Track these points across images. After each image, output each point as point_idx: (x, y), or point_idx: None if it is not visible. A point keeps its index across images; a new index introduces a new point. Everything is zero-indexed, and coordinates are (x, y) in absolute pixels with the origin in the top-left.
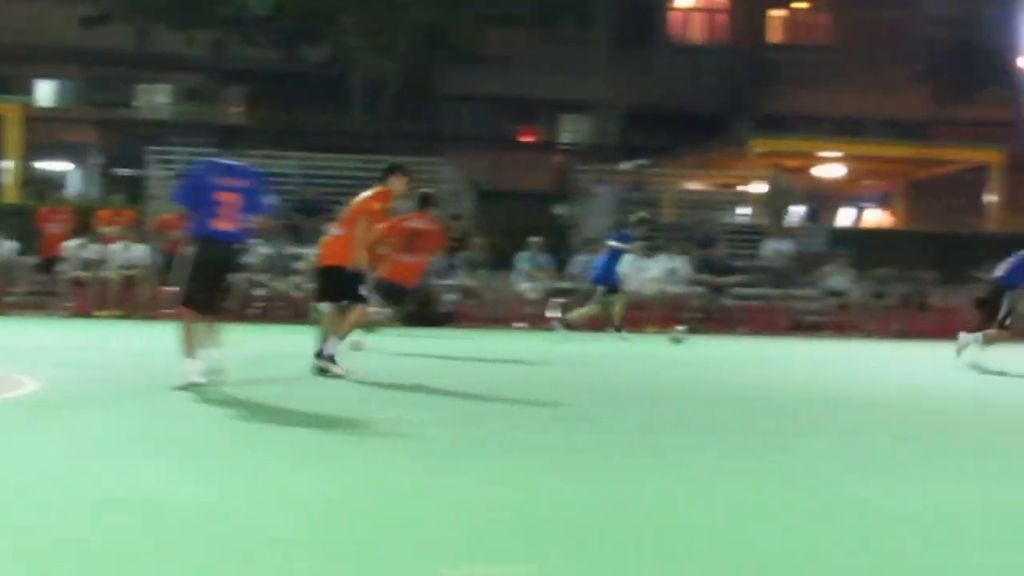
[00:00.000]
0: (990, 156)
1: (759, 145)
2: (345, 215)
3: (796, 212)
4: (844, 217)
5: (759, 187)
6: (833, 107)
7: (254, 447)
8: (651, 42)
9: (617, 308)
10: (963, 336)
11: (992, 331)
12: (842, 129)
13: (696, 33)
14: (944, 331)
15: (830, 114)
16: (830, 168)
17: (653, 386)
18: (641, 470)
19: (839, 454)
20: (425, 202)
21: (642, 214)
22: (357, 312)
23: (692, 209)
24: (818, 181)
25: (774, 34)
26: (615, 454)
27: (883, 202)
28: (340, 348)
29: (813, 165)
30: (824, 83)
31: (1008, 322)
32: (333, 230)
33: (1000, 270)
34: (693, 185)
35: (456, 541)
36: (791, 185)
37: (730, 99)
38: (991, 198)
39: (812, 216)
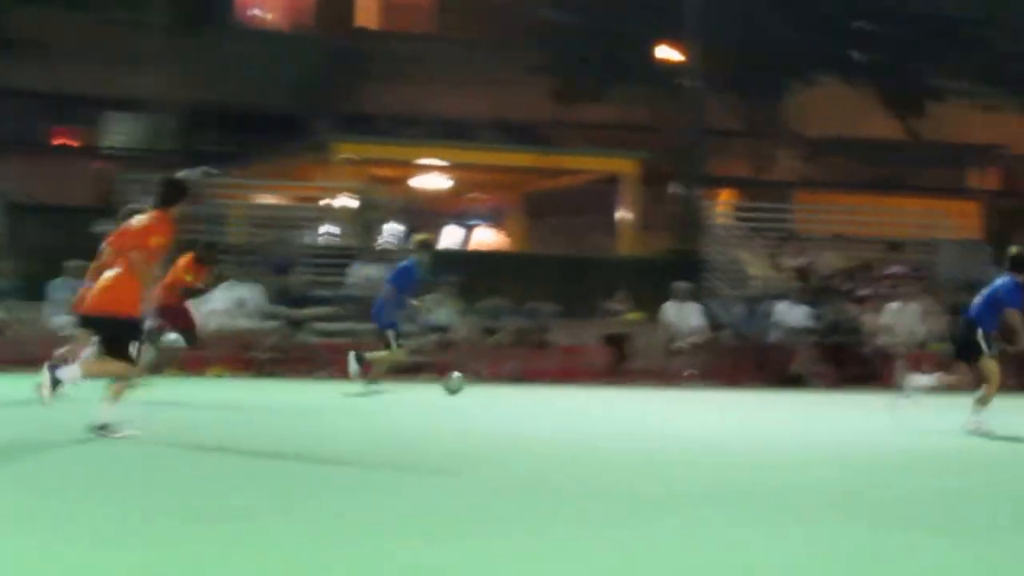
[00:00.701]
0: (622, 165)
1: (346, 150)
2: (115, 248)
3: (391, 231)
4: (449, 237)
5: (346, 201)
6: (436, 106)
7: None
8: (218, 27)
9: (385, 354)
10: (915, 378)
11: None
12: (447, 132)
13: (273, 16)
14: (568, 373)
15: (432, 114)
16: (432, 178)
17: (217, 440)
18: (176, 538)
19: (410, 511)
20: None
21: (423, 236)
22: (119, 364)
23: (266, 227)
24: (417, 194)
25: (366, 18)
26: (149, 519)
27: (496, 219)
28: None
29: (412, 175)
30: (426, 77)
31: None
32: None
33: (974, 306)
34: (267, 198)
35: None
36: (384, 198)
37: (313, 95)
38: (623, 215)
39: (410, 236)
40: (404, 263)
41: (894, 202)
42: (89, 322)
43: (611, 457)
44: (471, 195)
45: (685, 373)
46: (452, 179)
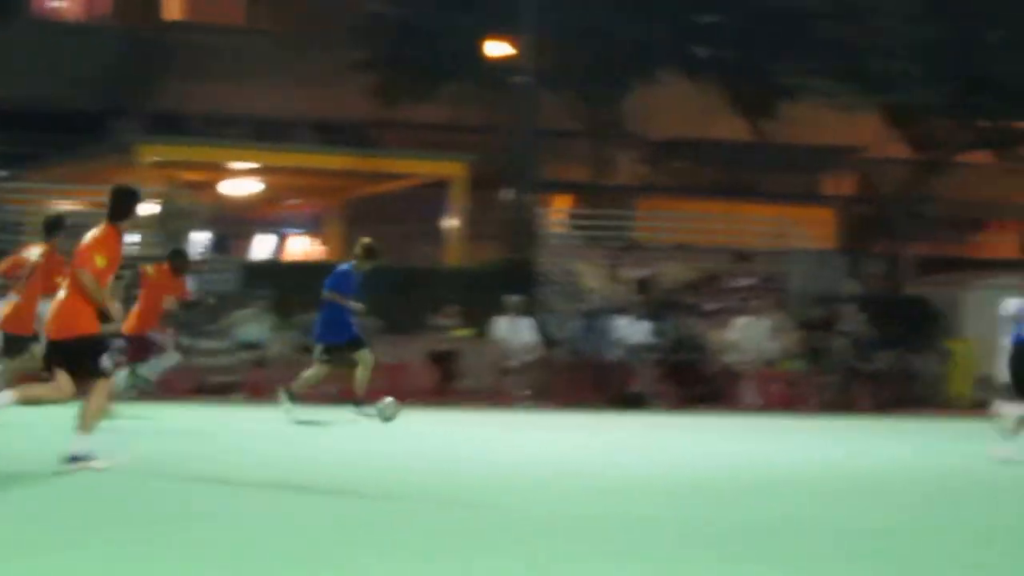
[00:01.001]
0: (450, 169)
1: (150, 152)
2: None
3: (198, 240)
4: (262, 247)
5: (150, 207)
6: (249, 104)
7: None
8: (11, 18)
9: (359, 371)
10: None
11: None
12: (260, 132)
13: (70, 8)
14: (391, 393)
15: (245, 113)
16: (244, 183)
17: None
18: None
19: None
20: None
21: (366, 240)
22: (100, 389)
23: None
24: (228, 200)
25: (173, 10)
26: None
27: (313, 227)
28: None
29: (221, 179)
30: (237, 73)
31: None
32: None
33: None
34: (65, 203)
35: None
36: (191, 204)
37: (115, 93)
38: (451, 222)
39: (219, 246)
40: (341, 267)
41: (743, 209)
42: (52, 349)
43: (432, 486)
44: (287, 201)
45: (517, 393)
46: (266, 184)
